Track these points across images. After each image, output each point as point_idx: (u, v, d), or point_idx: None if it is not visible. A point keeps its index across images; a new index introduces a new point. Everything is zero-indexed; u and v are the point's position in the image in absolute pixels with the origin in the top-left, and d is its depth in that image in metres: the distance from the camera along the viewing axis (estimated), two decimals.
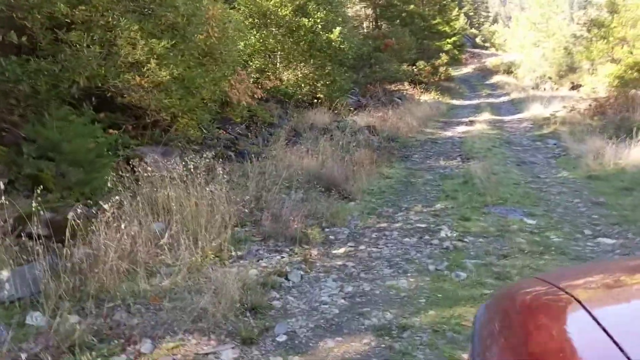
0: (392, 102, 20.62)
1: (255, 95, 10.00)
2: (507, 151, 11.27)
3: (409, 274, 4.48)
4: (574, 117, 15.49)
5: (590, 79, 28.68)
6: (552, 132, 13.42)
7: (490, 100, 27.05)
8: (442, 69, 27.35)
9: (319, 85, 14.72)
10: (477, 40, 64.30)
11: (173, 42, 7.01)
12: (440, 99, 25.40)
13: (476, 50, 58.05)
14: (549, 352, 1.14)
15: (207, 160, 7.12)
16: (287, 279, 4.38)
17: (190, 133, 8.19)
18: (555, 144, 11.84)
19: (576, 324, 1.23)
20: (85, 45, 5.76)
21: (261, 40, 13.93)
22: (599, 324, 1.11)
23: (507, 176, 8.39)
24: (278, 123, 12.34)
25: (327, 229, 5.75)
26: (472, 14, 67.06)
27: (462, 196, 7.04)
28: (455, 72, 36.79)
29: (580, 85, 31.16)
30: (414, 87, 25.44)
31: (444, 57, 27.77)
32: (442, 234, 5.53)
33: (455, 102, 26.14)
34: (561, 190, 7.36)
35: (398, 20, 25.24)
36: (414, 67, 26.63)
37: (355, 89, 21.25)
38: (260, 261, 4.71)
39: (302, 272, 4.52)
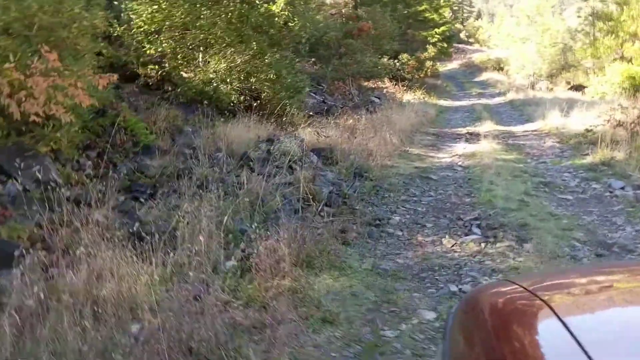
0: (369, 104, 15.38)
1: (79, 101, 4.67)
2: (555, 207, 6.09)
3: None
4: (616, 133, 10.41)
5: (597, 79, 23.78)
6: (604, 161, 8.29)
7: (484, 101, 21.95)
8: (428, 64, 22.13)
9: (252, 80, 9.39)
10: (462, 35, 59.29)
11: None
12: (426, 99, 20.23)
13: (460, 46, 53.02)
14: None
15: None
16: None
17: None
18: (624, 189, 6.74)
19: (546, 330, 1.16)
20: None
21: (163, 11, 8.58)
22: (568, 330, 1.05)
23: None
24: (169, 144, 7.06)
25: None
26: (456, 8, 61.91)
27: None
28: (440, 68, 31.63)
29: (582, 86, 26.27)
30: (395, 84, 20.23)
31: (431, 50, 22.53)
32: None
33: (444, 103, 20.97)
34: None
35: (379, 6, 19.93)
36: (396, 60, 21.40)
37: (323, 86, 15.97)
38: None
39: None
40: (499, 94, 24.37)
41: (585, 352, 0.95)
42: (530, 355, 1.08)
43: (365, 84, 18.82)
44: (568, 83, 28.78)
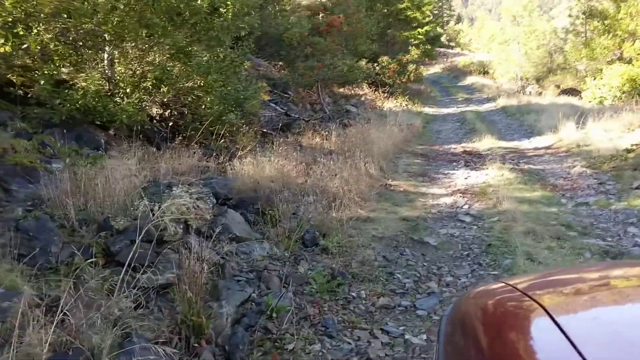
0: (343, 115, 12.49)
1: None
2: None
3: None
4: None
5: (595, 82, 21.19)
6: None
7: (473, 107, 19.19)
8: (411, 67, 19.30)
9: (164, 89, 6.34)
10: (442, 39, 56.90)
11: None
12: (410, 107, 17.41)
13: (442, 50, 50.55)
14: None
15: None
16: None
17: None
18: None
19: (539, 331, 1.09)
20: None
21: None
22: (563, 332, 0.99)
23: None
24: None
25: None
26: (436, 12, 59.58)
27: None
28: (423, 72, 28.82)
29: (574, 90, 23.73)
30: (375, 91, 17.38)
31: (414, 52, 19.70)
32: None
33: (429, 110, 18.17)
34: None
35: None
36: (375, 64, 18.54)
37: (289, 94, 13.00)
38: None
39: None
40: (488, 100, 21.65)
41: (580, 353, 0.92)
42: (524, 357, 1.03)
43: (341, 90, 15.93)
44: (557, 87, 26.32)
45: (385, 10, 20.09)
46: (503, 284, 1.37)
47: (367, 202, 5.56)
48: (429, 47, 22.62)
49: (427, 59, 23.64)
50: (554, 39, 29.02)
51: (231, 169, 5.99)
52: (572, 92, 23.26)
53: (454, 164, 8.37)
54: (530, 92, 25.25)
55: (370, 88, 17.45)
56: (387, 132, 9.72)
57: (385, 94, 17.26)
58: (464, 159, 8.72)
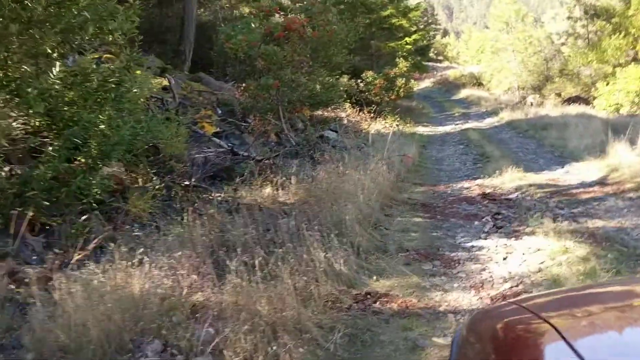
0: (316, 146, 9.30)
1: None
2: None
3: None
4: None
5: (607, 88, 18.17)
6: None
7: (474, 124, 16.08)
8: (400, 82, 16.23)
9: None
10: (430, 53, 54.33)
11: None
12: (401, 128, 14.28)
13: (430, 64, 47.83)
14: None
15: None
16: None
17: None
18: None
19: (553, 353, 1.02)
20: None
21: None
22: (576, 353, 0.92)
23: None
24: None
25: None
26: (422, 26, 57.13)
27: None
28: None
29: (581, 98, 20.68)
30: (359, 111, 14.27)
31: (403, 65, 16.64)
32: None
33: (424, 130, 15.06)
34: None
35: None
36: (358, 80, 15.50)
37: (248, 122, 9.82)
38: None
39: None
40: (489, 114, 18.58)
41: None
42: None
43: (319, 113, 12.81)
44: (558, 95, 23.37)
45: (368, 20, 17.09)
46: (517, 306, 1.30)
47: None
48: (419, 58, 19.59)
49: (416, 72, 20.57)
50: (549, 45, 26.22)
51: (50, 296, 2.78)
52: (579, 100, 20.23)
53: (476, 223, 5.15)
54: (532, 103, 22.22)
55: (354, 108, 14.36)
56: (372, 172, 6.51)
57: (372, 114, 14.17)
58: (488, 211, 5.52)
